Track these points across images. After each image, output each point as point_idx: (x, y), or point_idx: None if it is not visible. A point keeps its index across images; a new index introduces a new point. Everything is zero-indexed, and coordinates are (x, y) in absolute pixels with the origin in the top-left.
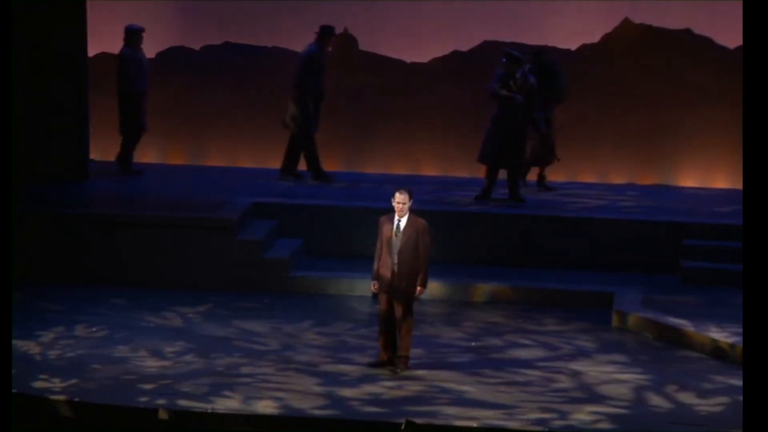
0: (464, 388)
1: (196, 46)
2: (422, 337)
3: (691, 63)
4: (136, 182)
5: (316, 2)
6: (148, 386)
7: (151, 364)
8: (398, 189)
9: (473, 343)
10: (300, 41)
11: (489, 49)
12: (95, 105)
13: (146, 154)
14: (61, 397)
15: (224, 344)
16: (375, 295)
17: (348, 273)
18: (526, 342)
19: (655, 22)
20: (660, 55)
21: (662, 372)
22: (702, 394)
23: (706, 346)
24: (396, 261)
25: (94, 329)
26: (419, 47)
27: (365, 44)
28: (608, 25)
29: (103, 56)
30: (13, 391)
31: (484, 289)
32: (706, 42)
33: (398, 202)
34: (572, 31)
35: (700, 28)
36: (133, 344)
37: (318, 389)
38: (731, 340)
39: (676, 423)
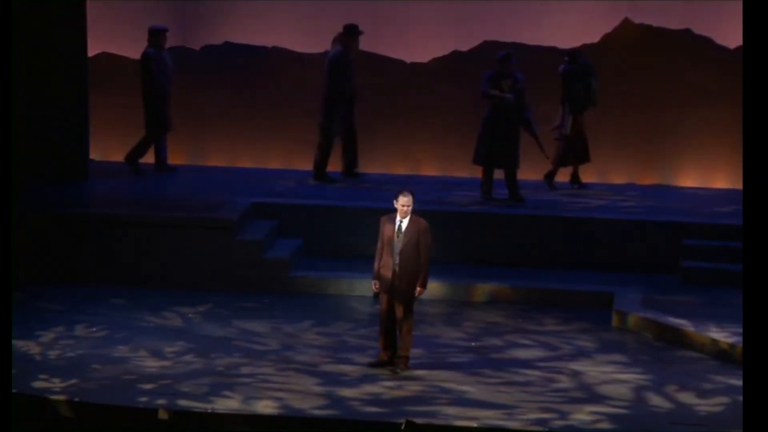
0: (464, 388)
1: (196, 46)
2: (422, 337)
3: (691, 63)
4: (136, 182)
5: (316, 2)
6: (148, 386)
7: (151, 364)
8: (401, 191)
9: (473, 343)
10: (300, 41)
11: (489, 49)
12: (95, 105)
13: (146, 155)
14: (61, 397)
15: (224, 344)
16: (376, 295)
17: (348, 273)
18: (526, 342)
19: (655, 22)
20: (660, 55)
21: (662, 372)
22: (702, 394)
23: (706, 346)
24: (397, 261)
25: (94, 329)
26: (419, 47)
27: (365, 44)
28: (608, 25)
29: (103, 56)
30: (13, 391)
31: (484, 289)
32: (706, 42)
33: (402, 205)
34: (572, 31)
35: (700, 28)
36: (133, 344)
37: (318, 389)
38: (731, 340)
39: (676, 423)
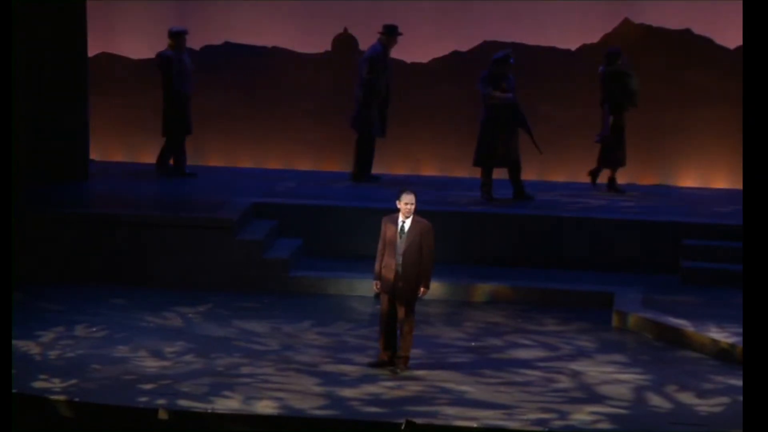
0: (464, 388)
1: (196, 46)
2: (422, 337)
3: (691, 63)
4: (136, 182)
5: (317, 2)
6: (148, 386)
7: (151, 364)
8: (404, 191)
9: (473, 344)
10: (300, 41)
11: (489, 49)
12: (95, 105)
13: (146, 155)
14: (61, 397)
15: (224, 344)
16: (376, 295)
17: (348, 273)
18: (526, 342)
19: (655, 22)
20: (660, 55)
21: (662, 372)
22: (702, 394)
23: (706, 346)
24: (400, 262)
25: (94, 329)
26: (419, 47)
27: (365, 44)
28: (608, 25)
29: (103, 56)
30: (13, 391)
31: (484, 289)
32: (706, 42)
33: (406, 203)
34: (572, 31)
35: (700, 28)
36: (133, 344)
37: (318, 389)
38: (731, 340)
39: (676, 423)
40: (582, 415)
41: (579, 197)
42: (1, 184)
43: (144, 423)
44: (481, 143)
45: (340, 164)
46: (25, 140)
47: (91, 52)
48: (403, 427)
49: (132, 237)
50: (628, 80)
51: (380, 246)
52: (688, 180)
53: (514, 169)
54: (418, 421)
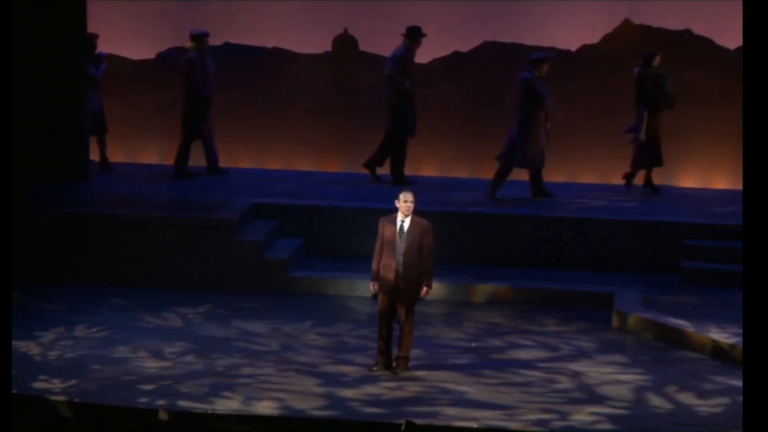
0: (464, 388)
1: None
2: (422, 337)
3: (691, 63)
4: (136, 182)
5: (317, 2)
6: (148, 387)
7: (151, 365)
8: (403, 190)
9: (473, 344)
10: (300, 41)
11: (489, 49)
12: None
13: (146, 155)
14: (61, 398)
15: (224, 345)
16: (374, 296)
17: (348, 273)
18: (526, 342)
19: (655, 23)
20: (660, 55)
21: (662, 372)
22: (702, 394)
23: (706, 346)
24: (401, 262)
25: (94, 330)
26: (419, 47)
27: (365, 44)
28: (608, 25)
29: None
30: (13, 391)
31: (484, 290)
32: (706, 42)
33: (405, 201)
34: (572, 31)
35: (700, 28)
36: (133, 345)
37: (318, 390)
38: (731, 340)
39: (676, 423)
40: (582, 415)
41: (579, 197)
42: (1, 184)
43: (144, 423)
44: (517, 144)
45: (340, 164)
46: (25, 140)
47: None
48: (403, 428)
49: (132, 237)
50: (664, 82)
51: (377, 246)
52: (689, 180)
53: (539, 171)
54: (419, 421)
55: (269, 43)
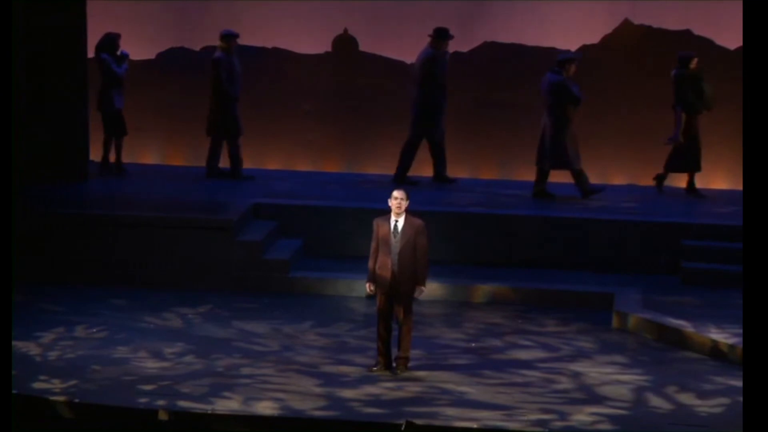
0: (464, 389)
1: (196, 47)
2: (422, 338)
3: None
4: (136, 183)
5: (317, 2)
6: (148, 387)
7: (151, 365)
8: (395, 189)
9: (473, 344)
10: (300, 42)
11: (489, 49)
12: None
13: (146, 155)
14: (61, 398)
15: (224, 345)
16: (368, 296)
17: (348, 274)
18: (526, 343)
19: (655, 23)
20: (660, 56)
21: (662, 373)
22: (702, 395)
23: (706, 347)
24: (396, 261)
25: (94, 330)
26: (419, 48)
27: (365, 45)
28: (608, 26)
29: None
30: (13, 392)
31: (484, 290)
32: (706, 42)
33: (395, 198)
34: (572, 31)
35: (700, 29)
36: (133, 345)
37: (318, 390)
38: (731, 341)
39: (676, 424)
40: (582, 415)
41: (578, 198)
42: (1, 184)
43: (144, 424)
44: (558, 145)
45: (340, 164)
46: (25, 140)
47: (92, 52)
48: (403, 428)
49: (132, 237)
50: (702, 84)
51: (373, 246)
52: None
53: (580, 170)
54: (418, 422)
55: (269, 43)
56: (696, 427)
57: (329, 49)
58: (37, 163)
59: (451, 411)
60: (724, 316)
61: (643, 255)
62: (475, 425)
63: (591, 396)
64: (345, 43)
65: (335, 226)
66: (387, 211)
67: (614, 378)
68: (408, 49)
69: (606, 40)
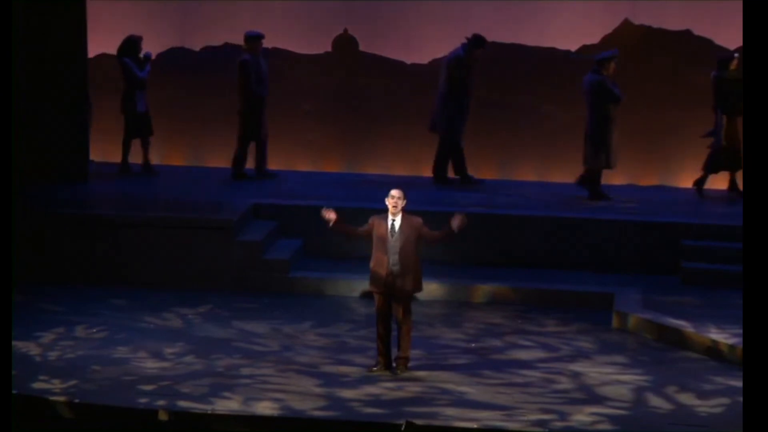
0: (464, 389)
1: (196, 47)
2: (422, 338)
3: (691, 63)
4: (136, 183)
5: (317, 2)
6: (148, 387)
7: (151, 365)
8: (394, 187)
9: (472, 344)
10: (300, 42)
11: (489, 49)
12: (95, 106)
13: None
14: (61, 398)
15: (224, 345)
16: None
17: (348, 274)
18: (526, 343)
19: (655, 23)
20: (660, 56)
21: (662, 373)
22: (702, 395)
23: (706, 347)
24: (396, 261)
25: (94, 330)
26: (419, 48)
27: (365, 45)
28: (608, 26)
29: (103, 56)
30: (13, 392)
31: (484, 290)
32: (706, 42)
33: (393, 197)
34: (572, 31)
35: (700, 29)
36: (133, 345)
37: (318, 390)
38: (731, 341)
39: (676, 424)
40: (582, 416)
41: (579, 198)
42: (1, 184)
43: (144, 424)
44: (603, 146)
45: (340, 164)
46: (25, 140)
47: (91, 52)
48: (403, 428)
49: (132, 238)
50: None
51: (362, 230)
52: (688, 181)
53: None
54: (418, 422)
55: (269, 43)
56: (696, 427)
57: (329, 49)
58: (37, 163)
59: (451, 411)
60: (724, 316)
61: (643, 255)
62: (475, 425)
63: (591, 396)
64: (345, 43)
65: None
66: (385, 211)
67: (614, 378)
68: (408, 50)
69: (606, 40)
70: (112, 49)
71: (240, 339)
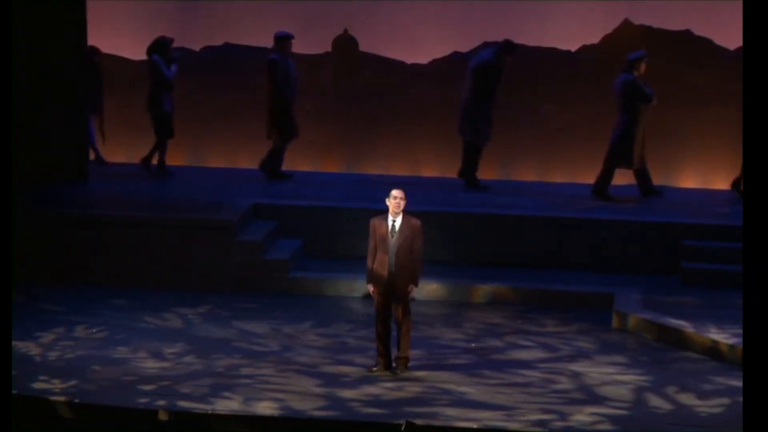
0: (464, 389)
1: (196, 47)
2: (422, 338)
3: (691, 63)
4: (136, 183)
5: (317, 2)
6: (148, 387)
7: (151, 365)
8: (395, 187)
9: (472, 344)
10: (300, 42)
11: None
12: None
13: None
14: (61, 398)
15: (224, 345)
16: (367, 294)
17: (348, 274)
18: (526, 343)
19: (655, 23)
20: (660, 56)
21: (662, 373)
22: (702, 395)
23: (706, 347)
24: (393, 261)
25: (94, 330)
26: (419, 48)
27: (365, 45)
28: (608, 26)
29: (104, 56)
30: (13, 392)
31: (484, 290)
32: (706, 42)
33: (395, 197)
34: (572, 31)
35: (700, 29)
36: (133, 345)
37: (318, 390)
38: (731, 341)
39: (676, 424)
40: (582, 416)
41: (579, 197)
42: (1, 184)
43: (144, 424)
44: (623, 144)
45: (340, 164)
46: (25, 140)
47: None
48: (403, 429)
49: (132, 238)
50: None
51: (371, 245)
52: (688, 180)
53: (645, 169)
54: (418, 422)
55: (269, 43)
56: (696, 427)
57: (329, 49)
58: (37, 163)
59: (451, 411)
60: (724, 316)
61: (643, 255)
62: (475, 425)
63: (591, 396)
64: (345, 43)
65: (335, 226)
66: (384, 211)
67: (614, 378)
68: (408, 50)
69: (606, 40)
70: (112, 49)
71: (240, 339)
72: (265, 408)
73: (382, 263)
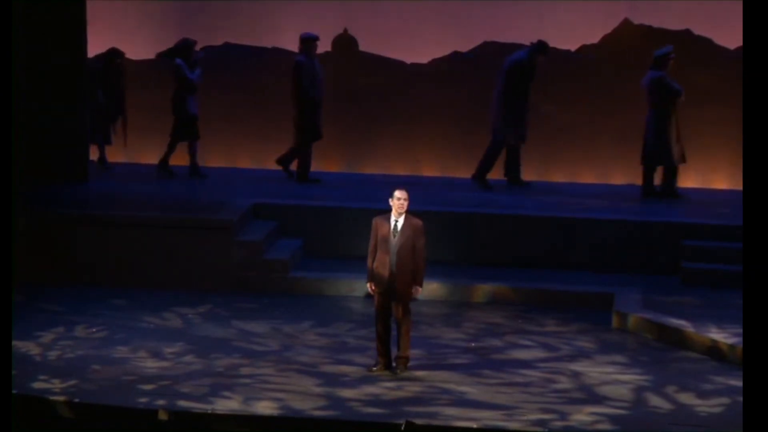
0: (464, 389)
1: (197, 47)
2: (422, 338)
3: (691, 63)
4: (136, 183)
5: (317, 2)
6: (148, 387)
7: (151, 365)
8: (398, 187)
9: (472, 344)
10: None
11: (489, 49)
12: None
13: (147, 156)
14: (61, 398)
15: (224, 345)
16: (367, 294)
17: (348, 274)
18: (526, 343)
19: (655, 23)
20: None
21: (662, 373)
22: (702, 394)
23: (706, 346)
24: (394, 261)
25: (94, 330)
26: (419, 48)
27: (365, 45)
28: (608, 26)
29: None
30: (13, 391)
31: (484, 290)
32: (706, 42)
33: (398, 198)
34: (572, 31)
35: (700, 28)
36: (133, 345)
37: (318, 390)
38: (731, 341)
39: (676, 424)
40: (582, 415)
41: (579, 197)
42: (1, 184)
43: (144, 424)
44: (660, 143)
45: (340, 164)
46: (25, 140)
47: (91, 52)
48: (403, 428)
49: (132, 238)
50: None
51: (372, 244)
52: (689, 181)
53: (675, 168)
54: (418, 421)
55: (269, 43)
56: (696, 427)
57: (329, 49)
58: (37, 163)
59: (451, 411)
60: (724, 316)
61: (643, 255)
62: (475, 425)
63: (591, 396)
64: (345, 43)
65: (335, 226)
66: (386, 211)
67: (614, 378)
68: (408, 50)
69: (606, 40)
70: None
71: (240, 339)
72: (265, 408)
73: (383, 263)
